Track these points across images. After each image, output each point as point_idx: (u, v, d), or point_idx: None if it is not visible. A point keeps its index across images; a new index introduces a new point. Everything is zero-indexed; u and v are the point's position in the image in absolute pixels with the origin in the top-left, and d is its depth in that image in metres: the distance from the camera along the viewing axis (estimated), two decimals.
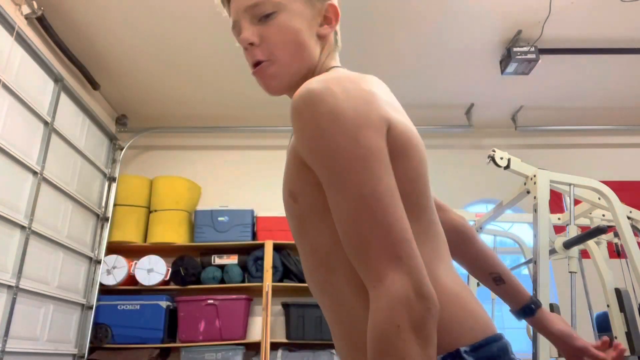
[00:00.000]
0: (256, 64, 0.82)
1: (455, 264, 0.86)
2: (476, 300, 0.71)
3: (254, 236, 3.89)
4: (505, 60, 3.37)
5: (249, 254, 3.77)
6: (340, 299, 0.70)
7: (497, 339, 0.68)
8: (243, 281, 3.72)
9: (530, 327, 2.18)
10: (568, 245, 2.22)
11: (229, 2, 0.86)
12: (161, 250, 3.84)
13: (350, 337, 0.69)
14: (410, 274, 0.59)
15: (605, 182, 2.42)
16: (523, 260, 2.98)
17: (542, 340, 2.05)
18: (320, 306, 0.76)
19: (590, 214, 2.78)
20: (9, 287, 2.70)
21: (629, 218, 2.46)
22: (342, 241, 0.65)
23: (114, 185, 3.94)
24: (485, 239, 3.61)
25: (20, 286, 2.76)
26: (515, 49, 3.27)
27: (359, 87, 0.70)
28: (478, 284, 3.14)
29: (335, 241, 0.69)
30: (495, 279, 1.00)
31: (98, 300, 3.58)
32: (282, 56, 0.81)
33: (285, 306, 3.68)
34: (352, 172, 0.63)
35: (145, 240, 3.90)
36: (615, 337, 2.28)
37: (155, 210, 3.93)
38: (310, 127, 0.66)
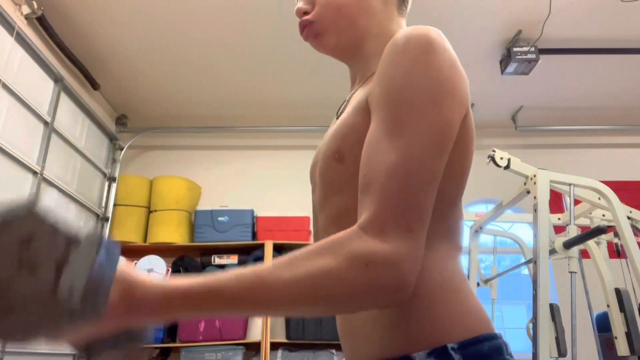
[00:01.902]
0: (304, 27, 0.84)
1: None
2: (475, 297, 0.70)
3: (254, 236, 3.89)
4: (505, 60, 3.37)
5: (249, 254, 3.77)
6: None
7: (491, 338, 0.65)
8: None
9: (530, 327, 2.18)
10: (568, 245, 2.22)
11: None
12: (161, 250, 3.84)
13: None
14: (411, 250, 0.58)
15: (605, 182, 2.42)
16: (523, 260, 2.98)
17: (542, 340, 2.05)
18: None
19: (590, 214, 2.78)
20: None
21: (629, 218, 2.46)
22: (366, 181, 0.62)
23: (114, 185, 3.94)
24: (485, 239, 3.62)
25: None
26: (515, 49, 3.27)
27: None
28: (478, 284, 3.14)
29: None
30: None
31: None
32: (329, 13, 0.82)
33: None
34: (419, 126, 0.61)
35: (145, 240, 3.90)
36: (616, 337, 2.28)
37: (155, 210, 3.93)
38: (418, 61, 0.64)
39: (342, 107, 0.85)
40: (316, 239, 0.82)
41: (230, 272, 0.57)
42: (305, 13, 0.83)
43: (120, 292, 0.55)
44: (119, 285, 0.55)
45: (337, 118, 0.84)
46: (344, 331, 0.74)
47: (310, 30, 0.83)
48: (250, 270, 0.58)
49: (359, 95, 0.75)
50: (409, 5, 0.88)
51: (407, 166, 0.59)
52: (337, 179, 0.72)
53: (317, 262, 0.57)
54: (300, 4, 0.85)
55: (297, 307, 0.59)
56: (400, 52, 0.65)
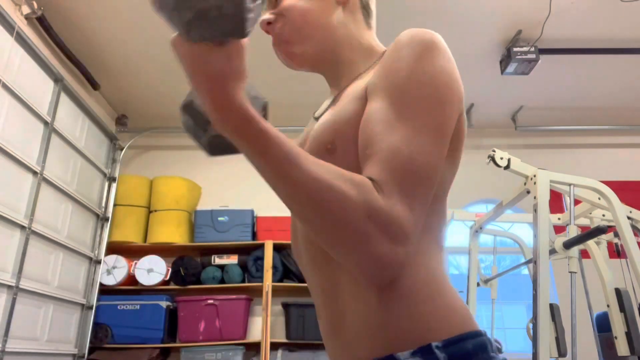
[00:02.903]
0: (274, 40, 0.85)
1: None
2: (458, 295, 0.70)
3: (254, 236, 3.89)
4: (505, 60, 3.37)
5: (249, 254, 3.77)
6: None
7: (475, 335, 0.65)
8: (243, 281, 3.72)
9: (530, 327, 2.18)
10: (568, 245, 2.22)
11: None
12: (161, 250, 3.84)
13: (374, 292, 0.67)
14: (409, 216, 0.59)
15: (605, 182, 2.42)
16: (523, 260, 2.98)
17: (542, 340, 2.05)
18: (321, 274, 0.74)
19: (590, 214, 2.78)
20: (9, 287, 2.70)
21: (629, 218, 2.46)
22: (371, 151, 0.63)
23: (114, 185, 3.94)
24: (485, 239, 3.62)
25: (20, 286, 2.76)
26: (515, 49, 3.27)
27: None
28: (478, 284, 3.14)
29: None
30: None
31: (98, 300, 3.58)
32: (292, 26, 0.83)
33: (285, 306, 3.68)
34: (434, 110, 0.65)
35: (145, 240, 3.90)
36: (616, 337, 2.28)
37: (155, 210, 3.93)
38: (424, 58, 0.67)
39: (322, 110, 0.85)
40: (293, 225, 0.82)
41: (283, 136, 0.59)
42: (269, 24, 0.84)
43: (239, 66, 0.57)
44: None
45: (316, 119, 0.85)
46: (328, 332, 0.74)
47: (279, 40, 0.85)
48: (295, 146, 0.59)
49: (353, 88, 0.76)
50: (374, 22, 0.89)
51: (411, 147, 0.62)
52: None
53: (340, 182, 0.58)
54: (266, 15, 0.85)
55: (298, 200, 0.60)
56: (406, 48, 0.68)
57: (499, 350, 3.24)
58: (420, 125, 0.63)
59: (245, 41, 0.56)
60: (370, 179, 0.61)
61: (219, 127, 0.58)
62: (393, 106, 0.65)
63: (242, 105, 0.57)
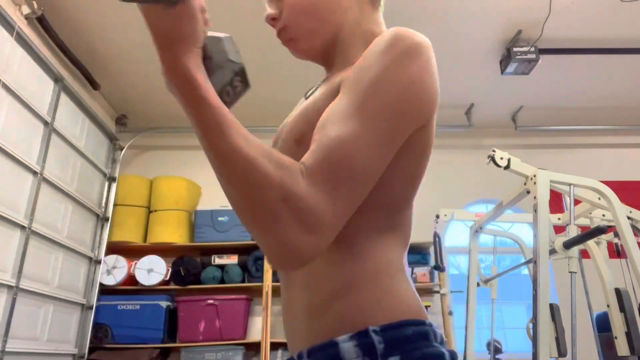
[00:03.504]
0: (279, 33, 0.84)
1: None
2: (409, 286, 0.69)
3: None
4: (505, 60, 3.37)
5: (249, 254, 3.77)
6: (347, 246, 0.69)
7: (417, 323, 0.65)
8: (243, 281, 3.72)
9: (530, 327, 2.18)
10: (568, 245, 2.22)
11: None
12: (161, 250, 3.84)
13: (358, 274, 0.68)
14: (325, 210, 0.58)
15: (605, 182, 2.42)
16: (523, 260, 2.98)
17: (542, 340, 2.05)
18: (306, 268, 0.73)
19: (590, 214, 2.78)
20: (9, 287, 2.70)
21: (629, 218, 2.46)
22: (318, 137, 0.63)
23: (114, 185, 3.94)
24: (485, 239, 3.62)
25: (20, 286, 2.76)
26: (515, 49, 3.27)
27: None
28: (478, 284, 3.14)
29: None
30: None
31: (98, 300, 3.58)
32: (297, 20, 0.81)
33: None
34: (392, 119, 0.63)
35: (145, 240, 3.90)
36: (616, 337, 2.28)
37: (155, 210, 3.93)
38: (399, 61, 0.65)
39: (312, 89, 0.85)
40: None
41: (223, 107, 0.61)
42: (274, 19, 0.83)
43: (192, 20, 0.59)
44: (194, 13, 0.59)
45: (306, 98, 0.84)
46: (284, 319, 0.75)
47: (285, 35, 0.83)
48: (233, 120, 0.61)
49: (332, 80, 0.75)
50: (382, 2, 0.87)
51: (355, 145, 0.61)
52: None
53: (265, 160, 0.58)
54: (268, 10, 0.84)
55: (221, 172, 0.61)
56: (384, 47, 0.66)
57: (499, 350, 3.24)
58: (372, 127, 0.62)
59: (195, 5, 0.58)
60: (302, 163, 0.60)
61: (166, 85, 0.61)
62: (354, 104, 0.64)
63: (185, 68, 0.58)
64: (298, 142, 0.72)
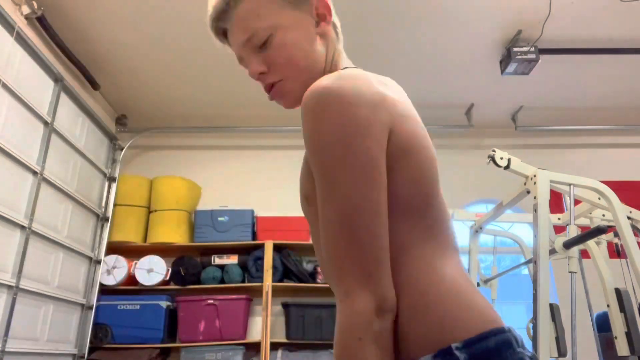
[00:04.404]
0: (270, 88, 0.85)
1: None
2: (477, 293, 0.69)
3: (254, 236, 3.89)
4: (505, 60, 3.37)
5: (249, 254, 3.77)
6: None
7: (497, 332, 0.64)
8: (243, 281, 3.72)
9: (530, 327, 2.18)
10: (568, 245, 2.22)
11: (228, 40, 0.88)
12: (161, 250, 3.84)
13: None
14: (375, 292, 0.63)
15: (605, 182, 2.42)
16: (523, 260, 2.98)
17: (542, 340, 2.05)
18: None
19: (590, 214, 2.78)
20: (9, 287, 2.70)
21: (629, 218, 2.46)
22: (323, 248, 0.67)
23: (114, 185, 3.94)
24: (485, 239, 3.62)
25: (20, 286, 2.76)
26: (515, 49, 3.27)
27: (369, 89, 0.70)
28: (478, 284, 3.14)
29: None
30: None
31: (98, 300, 3.58)
32: (291, 72, 0.82)
33: (285, 306, 3.68)
34: (341, 185, 0.65)
35: (145, 240, 3.90)
36: (616, 337, 2.27)
37: (155, 210, 3.93)
38: (312, 129, 0.68)
39: None
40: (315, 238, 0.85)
41: None
42: (262, 74, 0.83)
43: None
44: None
45: None
46: None
47: (282, 90, 0.84)
48: None
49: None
50: (339, 31, 0.91)
51: (339, 222, 0.65)
52: (309, 217, 0.80)
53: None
54: (253, 67, 0.83)
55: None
56: (304, 114, 0.70)
57: None
58: (342, 195, 0.65)
59: None
60: (338, 290, 0.65)
61: None
62: (319, 188, 0.68)
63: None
64: (308, 202, 0.77)
